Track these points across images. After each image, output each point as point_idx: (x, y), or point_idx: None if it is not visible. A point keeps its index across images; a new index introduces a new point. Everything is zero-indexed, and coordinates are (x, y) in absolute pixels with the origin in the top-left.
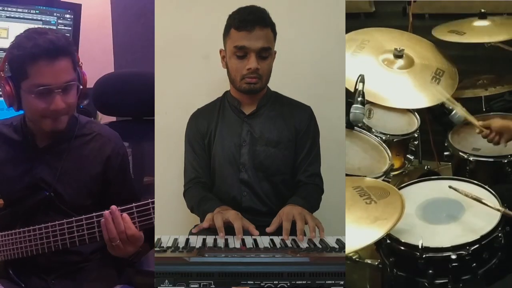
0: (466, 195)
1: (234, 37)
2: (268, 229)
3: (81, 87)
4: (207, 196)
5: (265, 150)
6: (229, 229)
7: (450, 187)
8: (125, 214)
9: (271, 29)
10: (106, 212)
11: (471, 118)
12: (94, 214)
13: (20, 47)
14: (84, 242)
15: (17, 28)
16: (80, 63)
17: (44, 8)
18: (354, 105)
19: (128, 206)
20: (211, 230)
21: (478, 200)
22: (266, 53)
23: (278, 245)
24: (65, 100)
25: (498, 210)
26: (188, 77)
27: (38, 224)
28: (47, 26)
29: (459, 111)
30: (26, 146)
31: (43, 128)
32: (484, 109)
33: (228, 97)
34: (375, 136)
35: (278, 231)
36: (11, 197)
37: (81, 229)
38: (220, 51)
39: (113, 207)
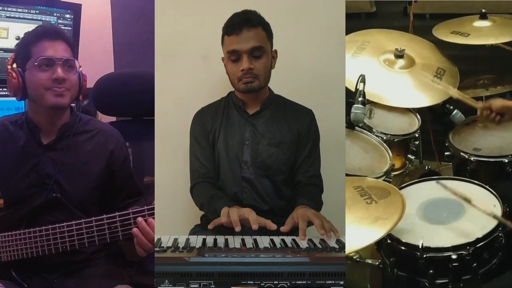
0: (455, 194)
1: (226, 43)
2: (283, 228)
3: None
4: (218, 194)
5: (267, 149)
6: (228, 230)
7: (438, 183)
8: (150, 219)
9: (263, 28)
10: (135, 229)
11: (470, 101)
12: (104, 216)
13: (26, 34)
14: (94, 244)
15: (17, 28)
16: (79, 67)
17: (44, 8)
18: (354, 105)
19: (125, 212)
20: (213, 230)
21: (467, 201)
22: (258, 52)
23: (278, 245)
24: (66, 73)
25: (488, 213)
26: (188, 77)
27: (43, 224)
28: None
29: (453, 93)
30: (30, 143)
31: (47, 103)
32: None
33: (233, 97)
34: (376, 136)
35: (278, 232)
36: (16, 196)
37: (91, 230)
38: (222, 59)
39: (139, 219)
